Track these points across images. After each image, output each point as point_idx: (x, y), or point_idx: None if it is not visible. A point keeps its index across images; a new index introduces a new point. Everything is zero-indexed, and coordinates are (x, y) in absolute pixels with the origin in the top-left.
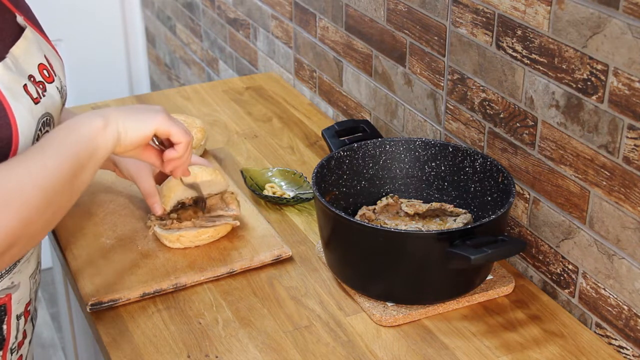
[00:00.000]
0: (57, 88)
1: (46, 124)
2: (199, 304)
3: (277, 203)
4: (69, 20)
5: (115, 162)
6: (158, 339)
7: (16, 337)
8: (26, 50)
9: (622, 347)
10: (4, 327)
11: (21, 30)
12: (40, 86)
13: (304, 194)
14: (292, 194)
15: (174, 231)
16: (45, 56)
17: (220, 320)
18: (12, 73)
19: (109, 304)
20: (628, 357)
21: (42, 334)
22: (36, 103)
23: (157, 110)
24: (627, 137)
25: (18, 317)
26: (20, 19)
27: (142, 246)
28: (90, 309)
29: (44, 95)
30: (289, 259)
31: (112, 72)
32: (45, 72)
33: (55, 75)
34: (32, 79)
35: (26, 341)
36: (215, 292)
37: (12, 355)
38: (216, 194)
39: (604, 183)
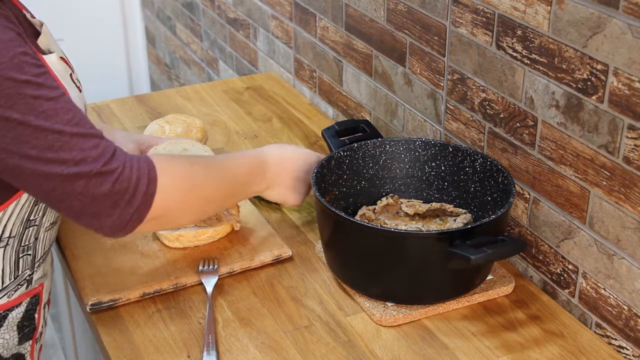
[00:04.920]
0: (77, 80)
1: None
2: (199, 304)
3: (277, 203)
4: (69, 20)
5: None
6: (158, 339)
7: (42, 326)
8: (49, 44)
9: (622, 347)
10: (36, 315)
11: (33, 26)
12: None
13: None
14: None
15: (173, 231)
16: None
17: (220, 320)
18: (62, 63)
19: (109, 304)
20: (628, 357)
21: None
22: (80, 92)
23: (304, 190)
24: (627, 137)
25: (44, 306)
26: (28, 16)
27: (142, 246)
28: (90, 309)
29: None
30: (289, 259)
31: (112, 72)
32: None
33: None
34: None
35: (45, 330)
36: (215, 292)
37: (37, 344)
38: None
39: (604, 183)
